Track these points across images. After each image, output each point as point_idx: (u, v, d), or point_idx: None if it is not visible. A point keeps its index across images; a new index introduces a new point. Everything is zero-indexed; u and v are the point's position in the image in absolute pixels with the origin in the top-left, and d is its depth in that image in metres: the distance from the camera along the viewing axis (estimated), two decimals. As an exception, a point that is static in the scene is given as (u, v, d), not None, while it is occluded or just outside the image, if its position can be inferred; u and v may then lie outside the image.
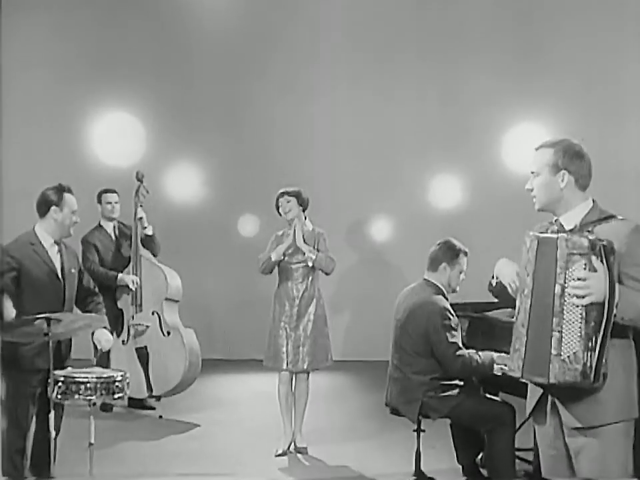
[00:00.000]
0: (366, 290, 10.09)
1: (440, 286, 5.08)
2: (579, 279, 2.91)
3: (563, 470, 3.17)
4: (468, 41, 9.91)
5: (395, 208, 10.09)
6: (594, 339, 2.90)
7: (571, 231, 3.10)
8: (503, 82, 9.80)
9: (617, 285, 2.92)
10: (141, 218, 7.01)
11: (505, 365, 4.67)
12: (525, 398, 4.81)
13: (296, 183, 6.23)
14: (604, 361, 2.92)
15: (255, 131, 10.08)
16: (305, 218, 6.06)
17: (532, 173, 3.21)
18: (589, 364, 2.90)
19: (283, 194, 6.02)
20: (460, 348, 4.88)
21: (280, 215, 6.08)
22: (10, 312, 4.44)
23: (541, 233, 3.11)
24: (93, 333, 4.75)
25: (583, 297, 2.90)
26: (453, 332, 4.90)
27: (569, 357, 2.92)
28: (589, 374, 2.91)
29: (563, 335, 2.93)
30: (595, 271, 2.90)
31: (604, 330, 2.90)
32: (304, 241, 5.95)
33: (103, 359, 6.27)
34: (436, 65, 10.00)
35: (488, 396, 5.08)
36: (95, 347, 4.89)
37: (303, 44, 10.06)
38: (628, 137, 9.40)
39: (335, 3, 10.04)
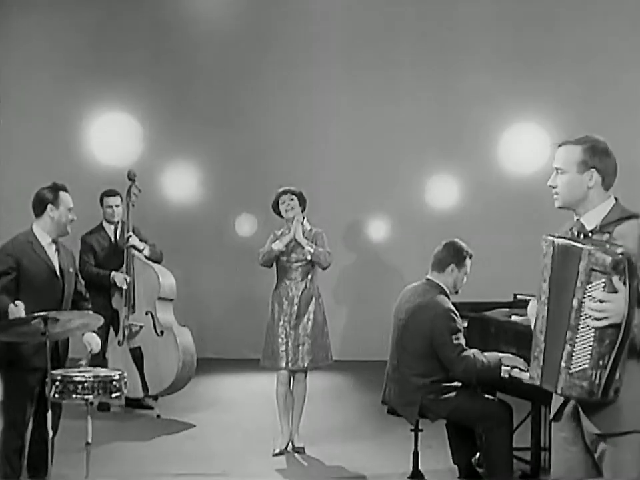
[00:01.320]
0: (363, 290, 10.10)
1: (444, 287, 5.02)
2: (598, 300, 2.79)
3: (579, 473, 3.11)
4: (465, 41, 9.91)
5: (393, 208, 10.09)
6: (606, 358, 2.80)
7: (591, 232, 3.02)
8: (501, 82, 9.80)
9: (636, 305, 2.80)
10: (133, 246, 6.97)
11: (514, 367, 4.63)
12: (522, 398, 4.86)
13: (293, 183, 6.23)
14: (616, 378, 2.83)
15: (253, 130, 10.07)
16: (304, 219, 6.06)
17: (556, 169, 3.11)
18: (597, 382, 2.81)
19: (285, 192, 6.01)
20: (465, 349, 4.81)
21: (277, 213, 6.08)
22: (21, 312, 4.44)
23: (559, 237, 2.99)
24: (83, 335, 4.76)
25: (600, 319, 2.79)
26: (458, 334, 4.86)
27: (577, 372, 2.83)
28: (595, 392, 2.82)
29: (575, 349, 2.84)
30: (615, 291, 2.77)
31: (617, 350, 2.80)
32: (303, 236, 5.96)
33: (99, 360, 6.27)
34: (434, 65, 10.00)
35: (485, 395, 5.07)
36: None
37: (300, 44, 10.06)
38: (626, 136, 9.41)
39: (332, 3, 10.05)
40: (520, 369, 4.58)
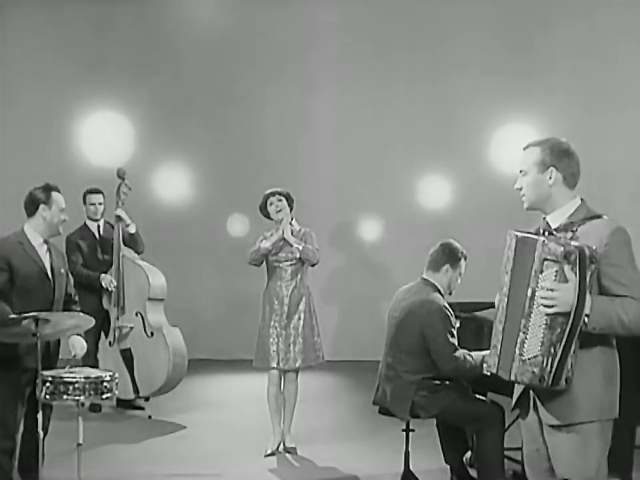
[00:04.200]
0: (354, 290, 10.11)
1: (439, 286, 5.05)
2: (548, 289, 2.93)
3: (543, 465, 3.21)
4: (458, 41, 9.93)
5: (384, 208, 10.10)
6: (557, 346, 2.92)
7: (556, 229, 3.12)
8: (492, 82, 9.83)
9: (588, 296, 2.93)
10: (119, 217, 6.95)
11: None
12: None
13: (285, 183, 6.25)
14: (568, 367, 2.94)
15: (245, 130, 10.08)
16: (292, 219, 6.07)
17: (520, 172, 3.23)
18: (548, 369, 2.93)
19: (273, 194, 6.03)
20: (457, 349, 4.85)
21: (265, 215, 6.10)
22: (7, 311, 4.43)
23: (521, 231, 3.12)
24: (69, 337, 4.75)
25: (550, 307, 2.93)
26: (452, 331, 4.89)
27: (529, 359, 2.95)
28: (545, 379, 2.94)
29: (527, 337, 2.96)
30: (566, 280, 2.91)
31: (567, 338, 2.92)
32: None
33: (90, 361, 6.25)
34: (426, 65, 10.02)
35: (477, 396, 5.08)
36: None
37: (294, 43, 10.06)
38: (615, 137, 9.44)
39: (327, 2, 10.06)
40: None
